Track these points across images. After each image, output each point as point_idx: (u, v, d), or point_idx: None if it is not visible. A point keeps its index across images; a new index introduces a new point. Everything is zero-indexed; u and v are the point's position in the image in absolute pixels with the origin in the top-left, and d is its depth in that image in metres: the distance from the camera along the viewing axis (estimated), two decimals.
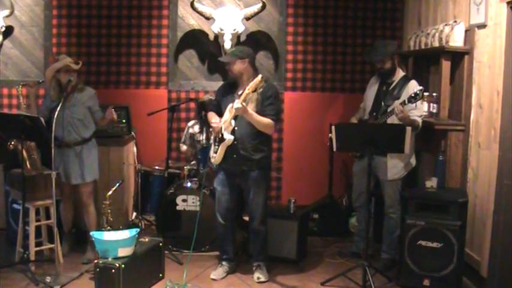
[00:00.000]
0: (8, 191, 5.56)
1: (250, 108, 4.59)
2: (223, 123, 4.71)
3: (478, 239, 4.66)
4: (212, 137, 4.93)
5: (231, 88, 4.86)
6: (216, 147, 4.73)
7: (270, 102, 4.69)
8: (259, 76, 4.54)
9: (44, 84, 6.20)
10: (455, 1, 5.19)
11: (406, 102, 4.66)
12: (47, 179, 4.94)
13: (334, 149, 4.71)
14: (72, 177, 5.14)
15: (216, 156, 4.75)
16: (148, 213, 6.32)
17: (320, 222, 6.16)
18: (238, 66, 4.74)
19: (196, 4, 6.40)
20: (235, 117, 4.68)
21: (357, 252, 5.33)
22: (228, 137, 4.65)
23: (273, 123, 4.69)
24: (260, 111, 4.64)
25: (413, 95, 4.61)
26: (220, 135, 4.69)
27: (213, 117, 4.88)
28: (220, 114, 4.84)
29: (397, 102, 4.74)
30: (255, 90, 4.60)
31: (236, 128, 4.69)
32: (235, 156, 4.72)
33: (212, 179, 5.09)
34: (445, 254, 4.49)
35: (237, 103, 4.50)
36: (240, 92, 4.71)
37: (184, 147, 6.27)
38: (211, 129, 4.88)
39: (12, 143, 5.11)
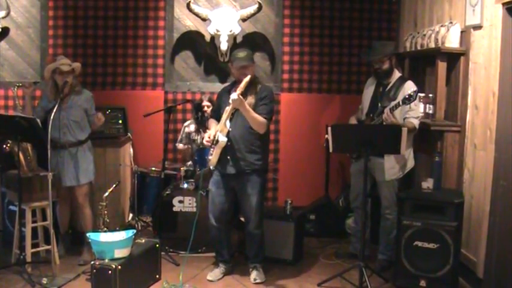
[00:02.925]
0: (4, 192, 5.54)
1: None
2: (220, 125, 4.72)
3: (474, 240, 4.67)
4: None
5: (229, 91, 4.86)
6: (212, 149, 4.74)
7: (263, 103, 4.71)
8: (249, 76, 4.60)
9: (39, 86, 6.20)
10: (451, 2, 5.21)
11: (401, 104, 4.68)
12: (43, 180, 4.93)
13: (331, 150, 4.72)
14: (67, 179, 5.14)
15: (211, 158, 4.75)
16: (145, 214, 6.32)
17: (316, 223, 6.16)
18: (253, 69, 4.80)
19: (192, 5, 6.41)
20: (230, 119, 4.69)
21: (354, 253, 5.33)
22: (222, 139, 4.65)
23: (265, 121, 4.70)
24: (254, 111, 4.65)
25: (407, 96, 4.63)
26: (216, 137, 4.69)
27: (212, 126, 4.89)
28: (219, 119, 4.84)
29: (388, 108, 4.77)
30: (247, 87, 4.62)
31: (230, 130, 4.70)
32: (228, 157, 4.73)
33: (209, 180, 5.09)
34: (441, 254, 4.50)
35: (234, 95, 4.51)
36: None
37: (180, 145, 6.27)
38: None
39: (8, 144, 5.10)
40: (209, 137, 4.72)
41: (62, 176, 5.13)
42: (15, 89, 5.61)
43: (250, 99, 4.68)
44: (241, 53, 4.77)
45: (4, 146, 5.10)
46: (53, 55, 6.57)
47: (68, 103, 5.08)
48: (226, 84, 5.28)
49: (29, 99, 5.34)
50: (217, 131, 4.69)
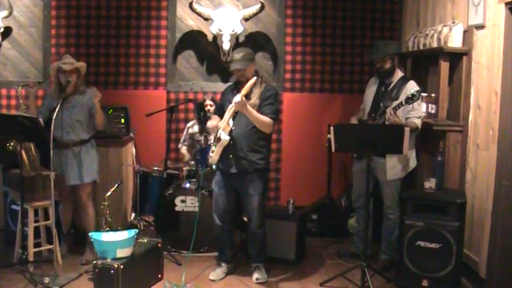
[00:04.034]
0: (7, 191, 5.55)
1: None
2: (222, 123, 4.72)
3: (476, 240, 4.67)
4: (211, 137, 4.94)
5: (232, 90, 4.87)
6: (214, 147, 4.74)
7: (268, 102, 4.71)
8: (254, 78, 4.60)
9: (43, 85, 6.21)
10: (453, 2, 5.20)
11: (404, 103, 4.67)
12: (46, 179, 4.94)
13: (333, 150, 4.71)
14: (71, 178, 5.14)
15: (213, 155, 4.75)
16: (147, 214, 6.32)
17: (319, 223, 6.16)
18: (251, 70, 4.75)
19: (194, 5, 6.41)
20: (233, 118, 4.69)
21: (356, 253, 5.33)
22: (224, 137, 4.65)
23: (271, 121, 4.70)
24: (259, 111, 4.66)
25: (410, 96, 4.62)
26: (218, 134, 4.69)
27: (215, 120, 4.90)
28: (222, 117, 4.84)
29: (390, 107, 4.76)
30: (251, 90, 4.63)
31: (233, 129, 4.70)
32: (231, 156, 4.73)
33: (211, 180, 5.09)
34: (444, 254, 4.49)
35: (237, 97, 4.51)
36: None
37: (184, 149, 6.27)
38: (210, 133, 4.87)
39: (11, 143, 5.10)
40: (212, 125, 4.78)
41: (65, 175, 5.13)
42: (19, 89, 5.61)
43: (255, 100, 4.68)
44: (237, 55, 4.73)
45: (7, 144, 5.10)
46: (55, 54, 6.60)
47: (72, 102, 5.08)
48: (230, 83, 5.28)
49: (32, 99, 5.34)
50: (220, 128, 4.69)
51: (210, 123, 4.89)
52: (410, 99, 4.61)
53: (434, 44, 5.23)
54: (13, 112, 6.39)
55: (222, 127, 4.70)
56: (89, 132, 5.23)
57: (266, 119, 4.66)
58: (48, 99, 5.21)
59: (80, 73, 5.17)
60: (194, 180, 5.61)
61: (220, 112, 4.94)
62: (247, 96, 4.61)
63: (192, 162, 5.84)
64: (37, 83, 5.59)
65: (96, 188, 5.46)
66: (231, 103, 4.68)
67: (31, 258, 4.98)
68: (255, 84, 4.66)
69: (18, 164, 4.93)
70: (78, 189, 5.23)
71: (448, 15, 5.30)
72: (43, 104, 5.29)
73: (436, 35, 5.21)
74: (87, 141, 5.21)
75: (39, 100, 5.95)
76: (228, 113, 4.69)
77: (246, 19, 6.53)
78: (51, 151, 4.62)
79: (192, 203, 5.46)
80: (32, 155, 5.20)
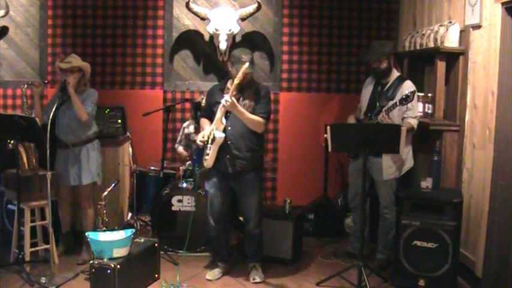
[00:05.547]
0: (3, 191, 5.53)
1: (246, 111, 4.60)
2: (215, 122, 4.70)
3: (472, 239, 4.68)
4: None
5: (221, 89, 4.84)
6: (209, 150, 4.71)
7: (261, 101, 4.71)
8: (246, 64, 4.50)
9: (48, 85, 6.22)
10: (450, 2, 5.21)
11: (398, 104, 4.67)
12: (43, 179, 4.92)
13: (330, 149, 4.71)
14: (71, 178, 5.13)
15: (208, 158, 4.72)
16: (144, 213, 6.31)
17: (315, 222, 6.16)
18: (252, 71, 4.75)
19: (191, 5, 6.41)
20: (226, 116, 4.67)
21: (352, 253, 5.34)
22: (219, 135, 4.62)
23: (262, 121, 4.68)
24: (252, 111, 4.65)
25: (404, 97, 4.61)
26: (211, 135, 4.67)
27: (205, 126, 4.86)
28: (212, 118, 4.82)
29: (386, 107, 4.77)
30: (243, 79, 4.52)
31: (229, 128, 4.69)
32: (228, 156, 4.71)
33: (207, 180, 5.08)
34: (440, 254, 4.50)
35: (227, 97, 4.48)
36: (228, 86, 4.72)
37: (180, 148, 6.26)
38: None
39: (12, 142, 5.07)
40: (203, 137, 4.70)
41: (66, 175, 5.12)
42: (24, 88, 5.58)
43: (249, 102, 4.67)
44: (246, 57, 4.64)
45: (8, 142, 5.07)
46: (52, 54, 6.59)
47: (70, 102, 5.04)
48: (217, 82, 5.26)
49: (38, 99, 5.31)
50: (213, 129, 4.67)
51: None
52: (405, 100, 4.61)
53: (431, 44, 5.24)
54: (9, 112, 6.38)
55: (215, 126, 4.67)
56: (90, 131, 5.19)
57: (257, 118, 4.64)
58: (54, 99, 5.18)
59: (84, 73, 5.13)
60: (191, 179, 5.61)
61: (207, 113, 4.92)
62: (241, 96, 4.60)
63: (189, 162, 5.84)
64: (42, 83, 5.56)
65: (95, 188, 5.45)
66: (219, 103, 4.66)
67: (27, 258, 4.96)
68: (248, 85, 4.63)
69: (15, 164, 4.91)
70: (78, 190, 5.22)
71: (445, 15, 5.30)
72: (49, 104, 5.26)
73: (432, 35, 5.22)
74: (88, 141, 5.18)
75: (45, 100, 5.94)
76: (220, 112, 4.66)
77: (243, 19, 6.53)
78: (48, 151, 4.59)
79: (188, 203, 5.46)
80: (31, 154, 5.19)
